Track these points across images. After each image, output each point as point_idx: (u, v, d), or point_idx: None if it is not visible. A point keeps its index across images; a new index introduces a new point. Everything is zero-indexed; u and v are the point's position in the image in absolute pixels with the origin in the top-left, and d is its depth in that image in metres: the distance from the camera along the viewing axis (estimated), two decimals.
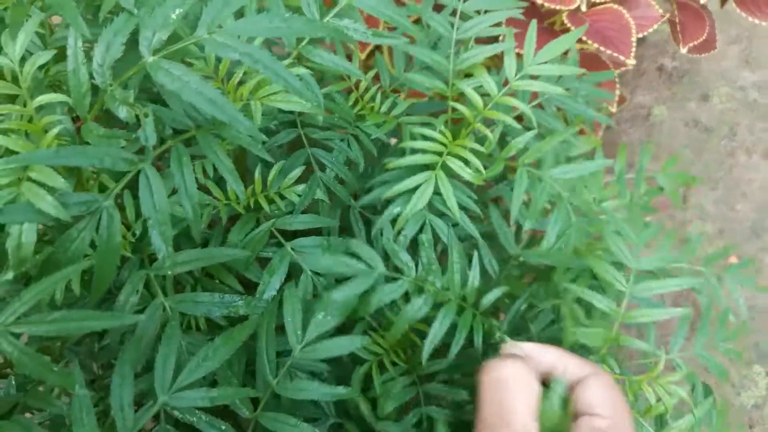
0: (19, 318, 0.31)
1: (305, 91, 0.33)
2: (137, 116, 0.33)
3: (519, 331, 0.54)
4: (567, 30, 1.03)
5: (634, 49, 1.02)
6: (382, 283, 0.48)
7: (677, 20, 1.15)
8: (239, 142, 0.40)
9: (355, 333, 0.54)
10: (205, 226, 0.54)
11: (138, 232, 0.49)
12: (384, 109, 0.61)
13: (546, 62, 0.51)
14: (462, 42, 0.55)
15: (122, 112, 0.32)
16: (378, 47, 0.72)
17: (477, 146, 0.51)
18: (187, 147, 0.40)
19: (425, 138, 0.52)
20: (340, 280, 0.51)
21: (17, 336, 0.32)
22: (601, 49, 1.02)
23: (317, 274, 0.53)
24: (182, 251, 0.47)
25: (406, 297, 0.49)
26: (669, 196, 0.65)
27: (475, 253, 0.51)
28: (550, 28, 1.12)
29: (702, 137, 1.64)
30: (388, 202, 0.53)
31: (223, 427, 0.43)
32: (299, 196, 0.54)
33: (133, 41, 0.34)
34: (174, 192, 0.39)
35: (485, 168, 0.52)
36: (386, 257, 0.50)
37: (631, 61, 1.02)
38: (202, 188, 0.53)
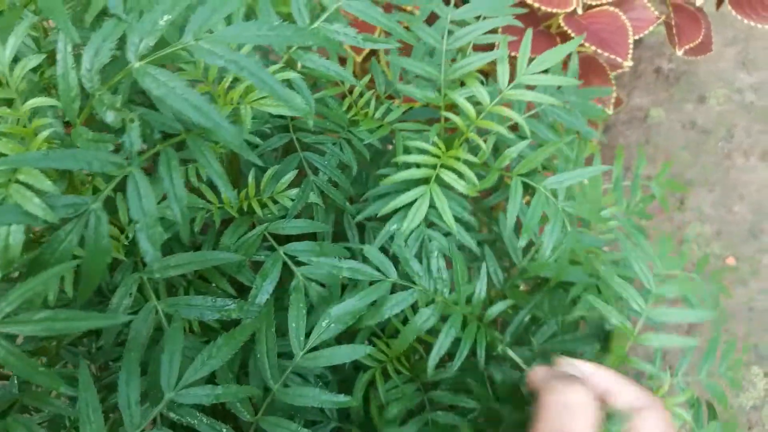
0: (6, 317, 0.31)
1: (293, 97, 0.33)
2: (124, 121, 0.33)
3: (521, 342, 0.54)
4: (563, 33, 1.03)
5: (631, 51, 1.02)
6: (389, 292, 0.48)
7: (673, 22, 1.16)
8: (230, 146, 0.40)
9: (359, 338, 0.54)
10: (199, 230, 0.54)
11: (131, 236, 0.49)
12: (378, 115, 0.61)
13: (543, 71, 0.50)
14: (461, 49, 0.54)
15: (109, 117, 0.32)
16: (374, 52, 0.71)
17: (470, 157, 0.50)
18: (179, 150, 0.40)
19: (420, 151, 0.51)
20: (344, 285, 0.51)
21: (11, 337, 0.32)
22: (598, 51, 1.02)
23: (309, 279, 0.53)
24: (175, 254, 0.47)
25: (412, 306, 0.49)
26: (661, 204, 0.65)
27: (483, 265, 0.51)
28: (547, 31, 1.12)
29: (699, 139, 1.64)
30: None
31: (224, 430, 0.43)
32: (292, 200, 0.54)
33: (123, 46, 0.34)
34: (165, 197, 0.39)
35: (480, 178, 0.50)
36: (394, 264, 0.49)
37: (628, 63, 1.02)
38: (196, 192, 0.53)
